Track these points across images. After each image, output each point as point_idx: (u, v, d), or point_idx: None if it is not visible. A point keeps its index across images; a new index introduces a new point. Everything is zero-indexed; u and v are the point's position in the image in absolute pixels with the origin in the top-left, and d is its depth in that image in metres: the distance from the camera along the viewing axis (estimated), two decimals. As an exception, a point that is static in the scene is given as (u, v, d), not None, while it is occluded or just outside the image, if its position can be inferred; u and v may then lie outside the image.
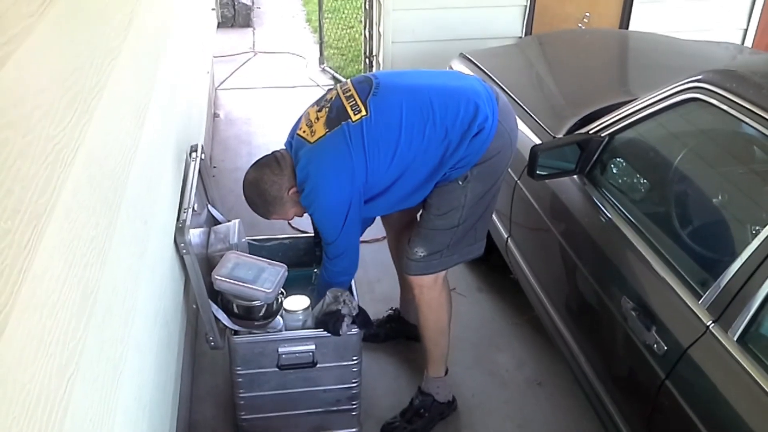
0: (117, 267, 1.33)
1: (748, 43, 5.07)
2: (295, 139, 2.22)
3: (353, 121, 2.09)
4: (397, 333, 2.90)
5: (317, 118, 2.17)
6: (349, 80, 2.28)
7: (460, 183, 2.19)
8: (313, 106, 2.25)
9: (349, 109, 2.12)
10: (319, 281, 2.41)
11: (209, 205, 2.71)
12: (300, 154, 2.17)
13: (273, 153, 2.28)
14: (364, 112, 2.10)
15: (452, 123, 2.11)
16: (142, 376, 1.55)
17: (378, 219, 2.59)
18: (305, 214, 2.35)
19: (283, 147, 2.30)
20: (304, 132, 2.18)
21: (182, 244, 2.09)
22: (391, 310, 2.94)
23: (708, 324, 1.69)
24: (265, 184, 2.23)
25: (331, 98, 2.20)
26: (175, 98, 2.45)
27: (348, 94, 2.17)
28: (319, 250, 2.60)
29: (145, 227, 1.68)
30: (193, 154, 2.55)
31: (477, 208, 2.26)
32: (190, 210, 2.18)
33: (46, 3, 1.00)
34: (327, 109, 2.16)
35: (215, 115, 5.01)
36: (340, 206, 2.16)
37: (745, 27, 5.01)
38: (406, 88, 2.21)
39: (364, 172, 2.12)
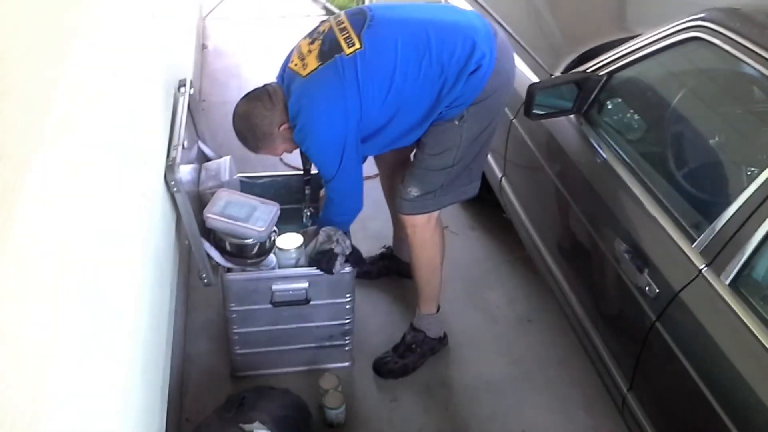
0: (106, 210, 1.30)
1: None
2: (286, 72, 2.17)
3: (347, 55, 2.05)
4: (390, 270, 2.92)
5: (309, 51, 2.12)
6: (342, 12, 2.21)
7: (456, 122, 2.15)
8: (305, 38, 2.20)
9: (342, 42, 2.07)
10: (321, 220, 2.39)
11: (199, 141, 2.67)
12: (292, 88, 2.13)
13: (264, 86, 2.23)
14: (357, 45, 2.06)
15: (449, 59, 2.07)
16: (137, 314, 1.55)
17: (370, 157, 2.56)
18: (295, 150, 2.33)
19: (275, 80, 2.25)
20: (295, 65, 2.14)
21: (173, 182, 2.06)
22: (384, 248, 2.95)
23: (701, 268, 1.70)
24: (256, 118, 2.19)
25: (324, 30, 2.14)
26: (158, 27, 2.36)
27: (342, 26, 2.12)
28: (308, 188, 2.59)
29: (134, 167, 1.64)
30: (182, 89, 2.49)
31: (472, 148, 2.23)
32: (180, 147, 2.14)
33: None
34: (320, 42, 2.11)
35: (203, 47, 4.88)
36: (334, 141, 2.13)
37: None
38: (402, 22, 2.15)
39: (358, 107, 2.08)
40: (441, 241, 2.48)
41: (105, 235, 1.29)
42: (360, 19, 2.11)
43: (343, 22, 2.13)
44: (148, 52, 2.10)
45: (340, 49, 2.06)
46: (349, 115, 2.09)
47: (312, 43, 2.14)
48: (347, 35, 2.09)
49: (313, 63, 2.08)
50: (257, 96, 2.21)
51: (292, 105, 2.14)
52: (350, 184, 2.27)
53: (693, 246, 1.75)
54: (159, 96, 2.18)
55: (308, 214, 2.61)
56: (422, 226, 2.37)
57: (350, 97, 2.06)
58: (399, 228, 2.70)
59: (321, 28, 2.17)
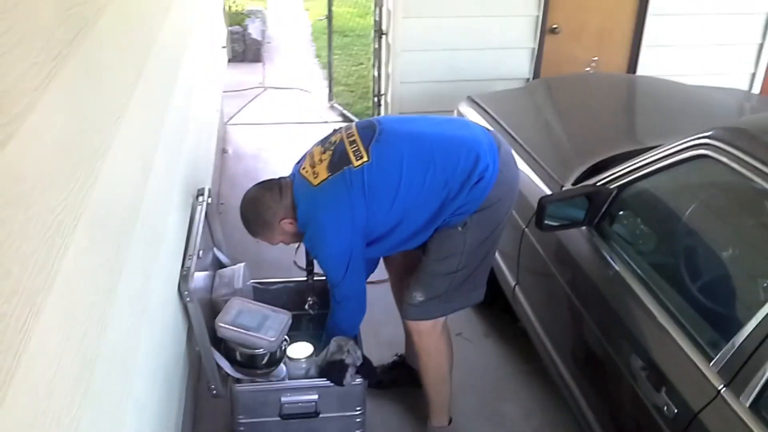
0: (117, 329, 1.31)
1: (757, 86, 5.08)
2: (297, 177, 2.25)
3: (355, 167, 2.13)
4: (402, 380, 2.86)
5: (321, 160, 2.20)
6: (354, 124, 2.32)
7: (460, 229, 2.19)
8: (318, 145, 2.29)
9: (351, 155, 2.16)
10: (328, 325, 2.40)
11: (214, 248, 2.70)
12: (301, 194, 2.22)
13: (279, 179, 2.33)
14: (365, 158, 2.14)
15: (452, 171, 2.14)
16: (141, 426, 1.52)
17: (381, 262, 2.58)
18: (293, 244, 2.45)
19: (288, 176, 2.33)
20: (306, 172, 2.22)
21: (186, 292, 2.08)
22: (396, 356, 2.91)
23: (719, 388, 1.65)
24: (261, 206, 2.28)
25: (336, 141, 2.23)
26: (182, 144, 2.46)
27: (351, 139, 2.21)
28: (310, 278, 2.70)
29: (147, 282, 1.66)
30: (200, 198, 2.55)
31: (476, 255, 2.25)
32: (195, 257, 2.17)
33: (51, 74, 1.00)
34: (331, 153, 2.20)
35: (224, 151, 5.03)
36: (342, 250, 2.19)
37: (753, 71, 5.02)
38: (409, 135, 2.23)
39: (364, 216, 2.15)
40: (448, 349, 2.45)
41: (114, 344, 1.29)
42: (369, 133, 2.20)
43: (353, 135, 2.22)
44: (171, 164, 2.17)
45: (349, 162, 2.14)
46: (355, 225, 2.16)
47: (324, 152, 2.22)
48: (356, 148, 2.17)
49: (323, 173, 2.16)
50: (268, 186, 2.31)
51: (302, 213, 2.21)
52: (355, 289, 2.30)
53: (711, 365, 1.71)
54: (177, 206, 2.23)
55: (311, 301, 2.67)
56: (428, 332, 2.36)
57: (357, 207, 2.13)
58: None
59: (333, 139, 2.26)
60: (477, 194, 2.15)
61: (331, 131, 2.37)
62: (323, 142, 2.30)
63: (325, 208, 2.17)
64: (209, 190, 2.62)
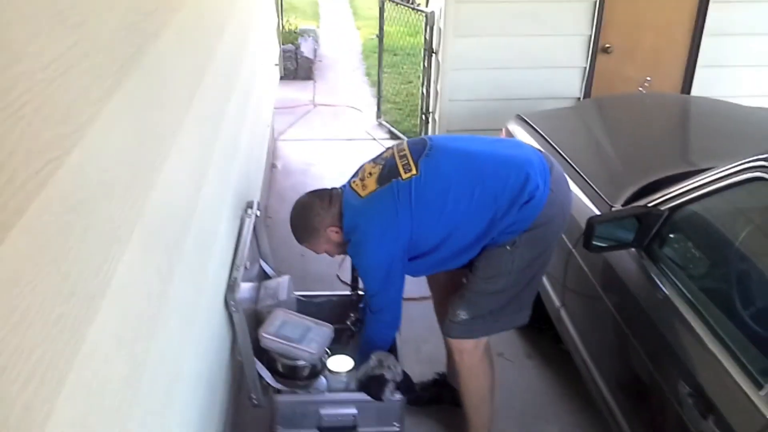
0: (165, 335, 1.35)
1: (818, 109, 4.92)
2: (347, 189, 2.30)
3: (403, 179, 2.15)
4: (442, 398, 2.84)
5: (371, 174, 2.24)
6: (405, 141, 2.36)
7: (508, 248, 2.17)
8: (370, 161, 2.33)
9: (400, 168, 2.19)
10: (363, 335, 2.43)
11: (261, 260, 2.75)
12: (348, 205, 2.25)
13: (330, 189, 2.38)
14: (414, 172, 2.16)
15: (501, 189, 2.14)
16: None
17: (423, 280, 2.58)
18: (339, 256, 2.49)
19: (340, 188, 2.37)
20: (356, 185, 2.26)
21: (232, 302, 2.12)
22: (437, 374, 2.89)
23: (770, 419, 1.60)
24: (311, 212, 2.32)
25: (387, 156, 2.27)
26: (234, 158, 2.52)
27: (402, 153, 2.24)
28: (355, 293, 2.74)
29: (196, 290, 1.71)
30: (249, 211, 2.60)
31: (524, 275, 2.22)
32: (242, 268, 2.22)
33: (113, 87, 1.04)
34: (381, 167, 2.24)
35: (273, 166, 5.12)
36: (382, 260, 2.22)
37: (813, 93, 4.87)
38: (459, 152, 2.24)
39: (409, 230, 2.17)
40: (491, 369, 2.43)
41: (162, 349, 1.33)
42: (420, 148, 2.23)
43: (404, 150, 2.25)
44: (223, 177, 2.23)
45: (398, 174, 2.17)
46: (399, 237, 2.18)
47: (374, 166, 2.26)
48: (406, 162, 2.20)
49: (372, 185, 2.20)
50: (319, 194, 2.36)
51: (348, 221, 2.25)
52: (391, 301, 2.31)
53: (761, 393, 1.66)
54: (227, 217, 2.29)
55: (353, 318, 2.65)
56: (470, 352, 2.34)
57: (402, 218, 2.15)
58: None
59: (385, 154, 2.30)
60: (527, 214, 2.14)
61: (383, 149, 2.42)
62: (375, 158, 2.34)
63: (370, 218, 2.20)
64: (258, 203, 2.68)
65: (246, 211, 2.61)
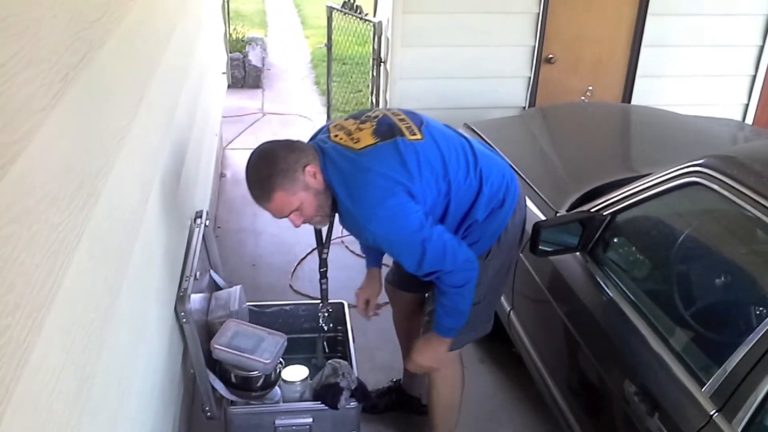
0: (115, 347, 1.33)
1: (750, 117, 5.14)
2: (327, 145, 1.94)
3: (408, 139, 1.94)
4: (397, 405, 2.85)
5: (359, 129, 1.97)
6: (395, 108, 2.15)
7: (484, 259, 2.12)
8: (348, 119, 2.06)
9: (403, 129, 1.97)
10: (444, 308, 2.08)
11: (211, 270, 2.72)
12: (335, 159, 1.91)
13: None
14: (419, 136, 1.97)
15: (487, 178, 2.05)
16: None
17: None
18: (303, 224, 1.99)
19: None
20: (341, 139, 1.95)
21: (182, 313, 2.09)
22: (392, 381, 2.90)
23: (711, 413, 1.66)
24: (278, 153, 1.89)
25: (377, 116, 2.03)
26: (181, 166, 2.48)
27: (399, 117, 2.03)
28: (325, 253, 2.33)
29: (145, 302, 1.68)
30: (198, 221, 2.57)
31: (495, 283, 2.24)
32: (192, 278, 2.19)
33: (58, 95, 1.03)
34: (373, 124, 1.98)
35: (222, 175, 5.06)
36: (406, 211, 1.89)
37: (746, 102, 5.09)
38: (452, 134, 2.12)
39: (420, 190, 1.92)
40: (463, 379, 2.43)
41: (112, 361, 1.31)
42: (416, 118, 2.06)
43: (400, 115, 2.05)
44: (171, 186, 2.20)
45: (402, 133, 1.95)
46: (414, 194, 1.91)
47: (362, 123, 1.99)
48: (408, 125, 1.99)
49: (367, 139, 1.92)
50: (282, 143, 1.97)
51: (338, 175, 1.89)
52: (447, 244, 1.95)
53: (703, 390, 1.72)
54: (176, 227, 2.26)
55: (325, 314, 2.47)
56: (451, 364, 2.33)
57: (414, 176, 1.90)
58: (405, 350, 2.64)
59: (371, 114, 2.05)
60: (501, 218, 2.10)
61: (367, 110, 2.22)
62: (356, 116, 2.06)
63: (375, 171, 1.87)
64: (207, 213, 2.65)
65: (195, 221, 2.58)
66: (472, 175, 2.04)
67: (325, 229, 2.17)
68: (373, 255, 2.46)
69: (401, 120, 2.02)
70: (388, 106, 2.16)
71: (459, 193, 2.02)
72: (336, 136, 1.97)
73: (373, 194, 1.88)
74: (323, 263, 2.31)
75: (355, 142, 1.93)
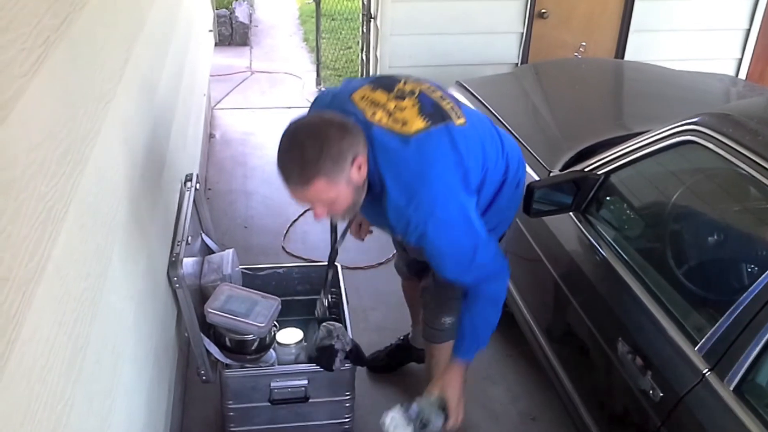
0: (107, 315, 1.31)
1: (743, 71, 5.11)
2: (375, 130, 1.67)
3: (456, 125, 1.74)
4: (407, 360, 2.85)
5: (400, 108, 1.71)
6: (420, 79, 1.86)
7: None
8: (373, 89, 1.76)
9: (448, 110, 1.76)
10: (473, 325, 1.91)
11: (203, 234, 2.70)
12: (391, 149, 1.66)
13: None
14: (463, 120, 1.77)
15: (511, 161, 1.99)
16: (131, 420, 1.53)
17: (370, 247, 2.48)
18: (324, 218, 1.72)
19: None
20: (383, 121, 1.68)
21: (175, 278, 2.07)
22: (399, 339, 2.88)
23: (704, 372, 1.68)
24: (334, 132, 1.58)
25: (413, 91, 1.76)
26: (170, 128, 2.44)
27: (437, 94, 1.80)
28: (330, 272, 2.42)
29: (137, 267, 1.66)
30: (188, 184, 2.54)
31: None
32: (184, 243, 2.17)
33: (40, 59, 0.99)
34: (415, 101, 1.73)
35: (211, 136, 5.00)
36: (466, 214, 1.72)
37: (739, 57, 5.04)
38: (479, 113, 2.02)
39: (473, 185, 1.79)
40: None
41: (105, 329, 1.29)
42: (452, 97, 1.85)
43: (434, 90, 1.81)
44: (159, 148, 2.16)
45: (449, 117, 1.74)
46: (470, 184, 1.76)
47: (400, 98, 1.73)
48: (450, 105, 1.78)
49: (416, 121, 1.68)
50: (335, 119, 1.64)
51: (396, 176, 1.65)
52: (496, 251, 1.84)
53: (695, 349, 1.73)
54: (166, 191, 2.22)
55: (326, 304, 2.47)
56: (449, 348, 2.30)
57: (470, 170, 1.76)
58: (418, 321, 2.57)
59: (406, 88, 1.77)
60: (517, 198, 2.06)
61: (382, 77, 1.95)
62: (382, 85, 1.77)
63: (435, 167, 1.66)
64: (197, 176, 2.61)
65: (185, 184, 2.54)
66: (500, 160, 1.92)
67: (342, 226, 2.09)
68: None
69: (441, 98, 1.79)
70: (410, 77, 1.81)
71: (491, 181, 1.88)
72: (374, 115, 1.69)
73: (435, 194, 1.66)
74: (334, 254, 2.26)
75: (403, 125, 1.68)
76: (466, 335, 1.93)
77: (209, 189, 4.24)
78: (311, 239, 3.79)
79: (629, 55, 4.85)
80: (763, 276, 1.65)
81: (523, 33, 4.68)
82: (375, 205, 1.72)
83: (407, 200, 1.65)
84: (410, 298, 2.68)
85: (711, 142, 1.92)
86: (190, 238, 2.25)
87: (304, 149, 1.56)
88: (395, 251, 2.62)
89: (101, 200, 1.33)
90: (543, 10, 4.68)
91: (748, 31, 4.96)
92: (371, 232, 2.36)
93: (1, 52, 0.85)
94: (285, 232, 3.84)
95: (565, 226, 2.39)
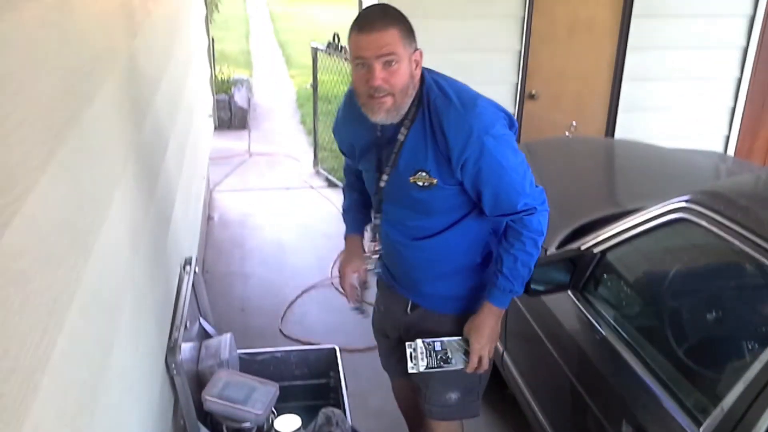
0: (107, 405, 1.30)
1: (731, 147, 5.23)
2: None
3: None
4: None
5: None
6: None
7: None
8: None
9: None
10: (510, 266, 1.89)
11: (200, 318, 2.69)
12: (445, 78, 1.85)
13: None
14: None
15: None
16: None
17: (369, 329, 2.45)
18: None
19: None
20: None
21: (173, 365, 2.05)
22: None
23: (710, 453, 1.65)
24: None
25: None
26: (171, 214, 2.47)
27: None
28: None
29: (136, 355, 1.65)
30: (187, 267, 2.55)
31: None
32: (182, 328, 2.16)
33: (51, 152, 1.02)
34: None
35: (209, 218, 5.04)
36: (513, 140, 1.84)
37: (726, 134, 5.18)
38: None
39: None
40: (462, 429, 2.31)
41: (105, 420, 1.27)
42: None
43: None
44: (160, 234, 2.18)
45: None
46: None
47: None
48: None
49: None
50: None
51: (454, 90, 1.80)
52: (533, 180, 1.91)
53: (701, 430, 1.71)
54: (165, 277, 2.23)
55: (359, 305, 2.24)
56: (456, 428, 2.24)
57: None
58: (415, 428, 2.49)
59: None
60: None
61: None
62: None
63: (488, 100, 1.85)
64: (196, 259, 2.63)
65: (184, 268, 2.55)
66: None
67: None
68: (356, 216, 2.19)
69: None
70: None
71: None
72: None
73: (492, 113, 1.79)
74: (378, 206, 1.98)
75: None
76: (503, 276, 1.88)
77: (207, 272, 4.25)
78: (309, 320, 3.77)
79: (619, 133, 4.98)
80: (765, 353, 1.65)
81: (514, 113, 4.81)
82: (420, 139, 1.79)
83: (470, 108, 1.74)
84: (405, 404, 2.50)
85: (703, 220, 1.96)
86: (188, 322, 2.25)
87: (387, 9, 1.72)
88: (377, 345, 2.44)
89: (104, 287, 1.34)
90: (533, 92, 4.83)
91: (734, 108, 5.11)
92: (360, 300, 2.24)
93: (15, 147, 0.88)
94: (282, 313, 3.82)
95: (564, 305, 2.40)
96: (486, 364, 2.00)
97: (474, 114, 1.74)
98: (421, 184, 1.82)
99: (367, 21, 1.69)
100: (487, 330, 1.95)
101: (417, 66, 1.75)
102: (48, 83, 1.06)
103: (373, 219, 2.05)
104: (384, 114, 1.74)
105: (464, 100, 1.76)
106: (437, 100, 1.78)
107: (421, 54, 1.76)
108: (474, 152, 1.74)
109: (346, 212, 2.22)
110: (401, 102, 1.74)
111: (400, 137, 1.81)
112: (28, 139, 0.94)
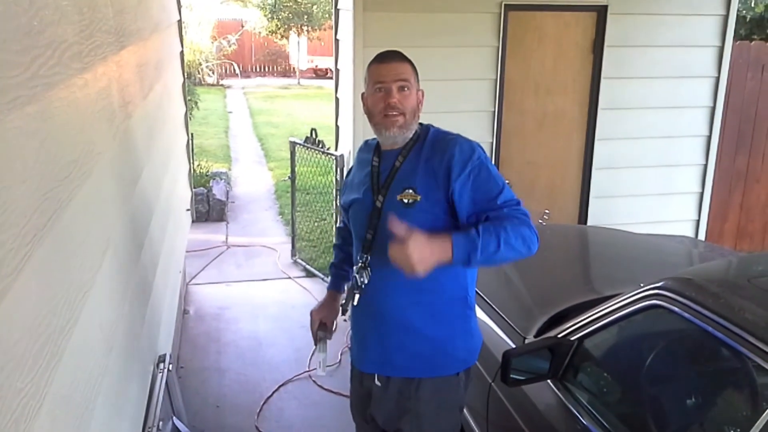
0: None
1: (702, 231, 5.35)
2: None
3: None
4: None
5: None
6: None
7: (461, 376, 2.15)
8: None
9: None
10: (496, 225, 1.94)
11: (174, 417, 2.62)
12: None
13: None
14: None
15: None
16: None
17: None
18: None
19: None
20: None
21: (145, 468, 1.99)
22: None
23: None
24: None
25: None
26: (145, 311, 2.45)
27: None
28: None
29: (107, 459, 1.60)
30: (161, 365, 2.50)
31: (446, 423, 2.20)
32: (155, 429, 2.10)
33: (26, 258, 1.03)
34: None
35: (185, 312, 4.98)
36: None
37: (696, 218, 5.31)
38: None
39: None
40: None
41: None
42: None
43: None
44: (133, 334, 2.15)
45: None
46: None
47: None
48: None
49: None
50: None
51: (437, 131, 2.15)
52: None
53: None
54: (138, 377, 2.18)
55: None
56: None
57: None
58: None
59: None
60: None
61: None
62: None
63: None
64: (170, 356, 2.58)
65: (158, 365, 2.50)
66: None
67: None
68: (338, 273, 2.44)
69: None
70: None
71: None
72: None
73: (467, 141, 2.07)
74: (376, 213, 2.09)
75: None
76: (475, 231, 1.87)
77: (181, 367, 4.16)
78: (286, 416, 3.68)
79: (591, 220, 5.09)
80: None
81: (489, 203, 4.90)
82: (414, 165, 2.06)
83: (465, 138, 2.06)
84: None
85: (676, 306, 1.99)
86: (161, 423, 2.19)
87: (401, 52, 2.09)
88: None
89: (75, 390, 1.32)
90: (507, 181, 4.94)
91: (702, 194, 5.27)
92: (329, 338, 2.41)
93: (-10, 255, 0.89)
94: (259, 410, 3.72)
95: (544, 395, 2.38)
96: (404, 267, 1.81)
97: (474, 143, 2.06)
98: (406, 201, 2.02)
99: (386, 56, 2.07)
100: (426, 246, 1.81)
101: (420, 102, 2.10)
102: (24, 190, 1.08)
103: (356, 262, 2.16)
104: (397, 129, 2.04)
105: (461, 137, 2.09)
106: (439, 133, 2.12)
107: (423, 94, 2.11)
108: (475, 165, 2.01)
109: (333, 266, 2.48)
110: (410, 122, 2.06)
111: (397, 164, 2.08)
112: (3, 245, 0.95)
